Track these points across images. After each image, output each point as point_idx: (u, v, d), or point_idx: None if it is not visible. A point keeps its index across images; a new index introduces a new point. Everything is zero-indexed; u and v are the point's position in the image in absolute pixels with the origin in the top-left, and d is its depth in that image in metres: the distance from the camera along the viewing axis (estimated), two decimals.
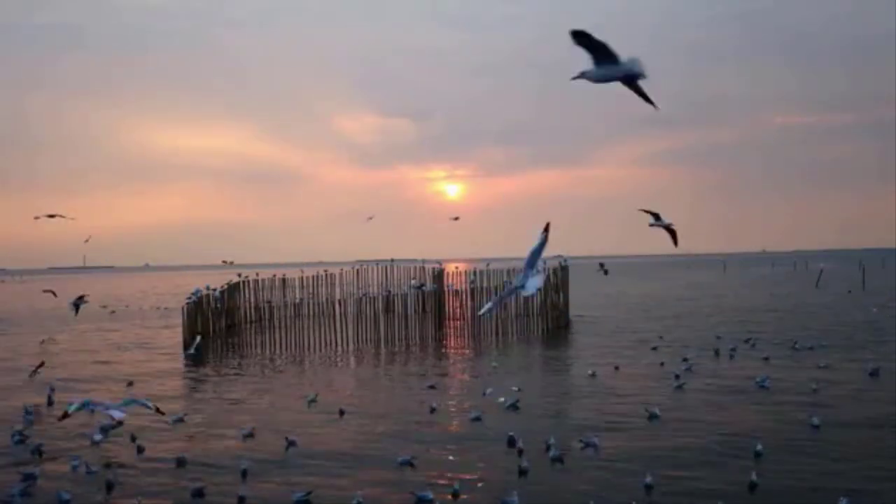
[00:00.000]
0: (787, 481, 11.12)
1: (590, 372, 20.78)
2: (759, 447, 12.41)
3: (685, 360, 22.67)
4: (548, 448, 12.67)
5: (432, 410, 16.34)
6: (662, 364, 22.16)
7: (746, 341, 26.51)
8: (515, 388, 18.05)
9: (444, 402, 17.47)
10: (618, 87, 5.62)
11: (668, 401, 16.87)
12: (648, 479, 10.96)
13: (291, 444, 13.61)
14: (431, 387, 19.35)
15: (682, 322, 35.53)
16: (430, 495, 10.52)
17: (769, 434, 13.43)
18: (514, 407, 16.43)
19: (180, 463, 12.63)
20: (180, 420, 15.77)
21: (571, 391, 19.31)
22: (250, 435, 14.50)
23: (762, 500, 10.50)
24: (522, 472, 11.75)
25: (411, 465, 12.25)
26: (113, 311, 51.19)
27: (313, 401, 17.52)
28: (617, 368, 21.63)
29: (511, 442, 13.37)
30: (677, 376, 19.64)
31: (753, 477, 10.95)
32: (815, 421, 14.22)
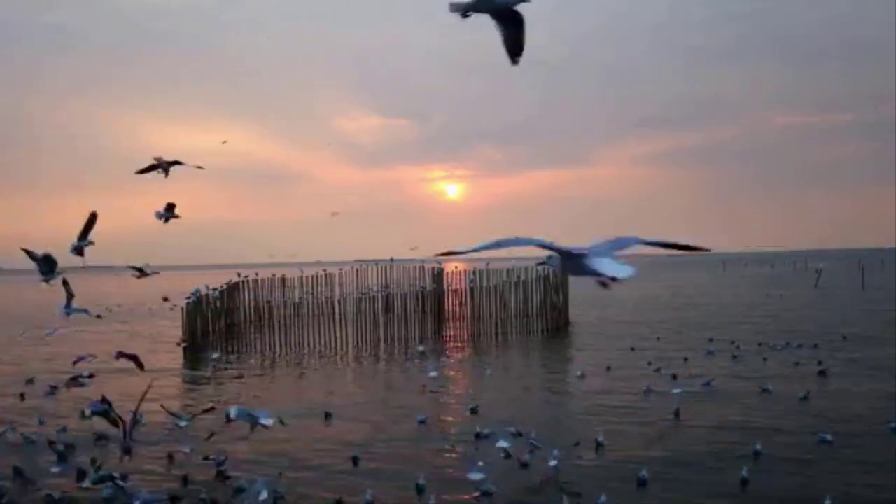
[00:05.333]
0: (778, 483, 11.25)
1: (578, 373, 20.95)
2: (759, 447, 12.46)
3: (685, 359, 22.92)
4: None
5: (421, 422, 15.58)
6: (650, 363, 22.23)
7: (732, 342, 26.61)
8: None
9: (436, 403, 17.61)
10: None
11: (661, 402, 17.02)
12: (643, 474, 11.15)
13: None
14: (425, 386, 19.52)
15: (680, 323, 35.60)
16: (489, 485, 10.57)
17: (761, 436, 13.47)
18: (473, 411, 16.22)
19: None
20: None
21: (562, 392, 19.50)
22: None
23: (755, 499, 10.62)
24: (524, 466, 11.97)
25: (356, 460, 12.41)
26: (110, 311, 51.45)
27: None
28: (609, 369, 21.71)
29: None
30: (674, 376, 19.80)
31: (744, 473, 11.09)
32: (828, 437, 13.11)
